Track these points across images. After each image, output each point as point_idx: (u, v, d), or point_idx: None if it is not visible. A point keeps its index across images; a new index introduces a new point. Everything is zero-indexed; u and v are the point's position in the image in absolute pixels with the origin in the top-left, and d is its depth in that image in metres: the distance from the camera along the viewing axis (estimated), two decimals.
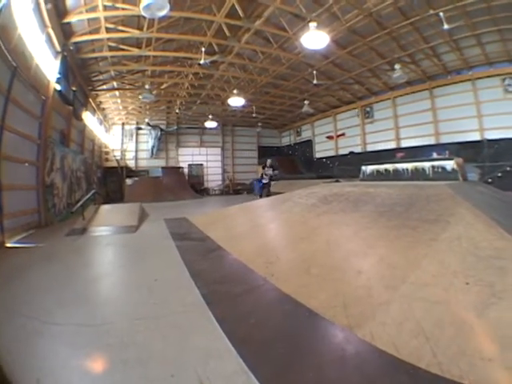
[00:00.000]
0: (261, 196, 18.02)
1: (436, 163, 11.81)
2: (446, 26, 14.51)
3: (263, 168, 18.63)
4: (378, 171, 13.02)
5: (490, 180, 16.15)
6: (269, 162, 18.74)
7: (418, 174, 11.74)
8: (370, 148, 26.79)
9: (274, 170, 18.70)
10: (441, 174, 11.22)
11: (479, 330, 2.88)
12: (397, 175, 12.14)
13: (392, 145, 24.61)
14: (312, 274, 4.81)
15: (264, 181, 18.33)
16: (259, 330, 3.60)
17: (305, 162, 34.23)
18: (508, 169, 16.14)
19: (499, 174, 16.20)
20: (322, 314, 3.73)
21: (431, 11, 14.43)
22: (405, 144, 23.74)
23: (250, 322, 3.78)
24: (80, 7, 13.33)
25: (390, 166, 12.73)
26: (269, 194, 17.45)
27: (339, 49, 18.07)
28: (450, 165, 11.41)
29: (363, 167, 13.41)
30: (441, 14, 14.26)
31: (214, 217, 11.52)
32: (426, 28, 16.36)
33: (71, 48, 15.03)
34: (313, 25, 13.77)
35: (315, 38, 14.10)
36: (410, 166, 12.21)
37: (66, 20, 13.48)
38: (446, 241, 4.48)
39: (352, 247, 5.45)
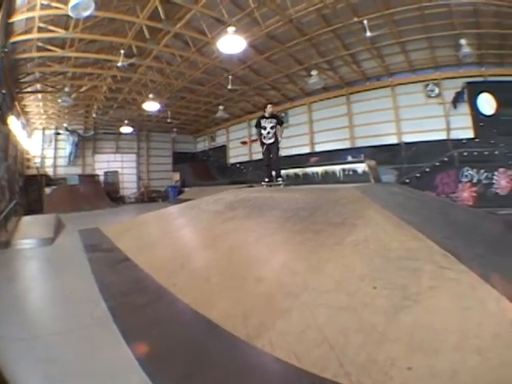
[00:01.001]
0: (268, 178, 11.26)
1: (347, 166, 12.10)
2: (368, 34, 14.85)
3: (261, 119, 11.26)
4: (287, 175, 13.10)
5: (407, 181, 16.86)
6: (269, 107, 11.19)
7: (329, 178, 11.92)
8: (284, 153, 26.25)
9: (278, 122, 11.32)
10: (352, 177, 11.49)
11: (392, 335, 2.77)
12: (307, 179, 12.27)
13: (307, 149, 25.00)
14: (213, 283, 4.72)
15: (269, 140, 11.10)
16: (161, 342, 3.54)
17: (219, 167, 33.83)
18: (427, 170, 16.86)
19: (417, 175, 16.95)
20: (222, 324, 3.63)
21: (355, 19, 14.74)
22: (320, 148, 24.18)
23: (153, 333, 3.73)
24: (24, 6, 12.84)
25: (299, 171, 12.90)
26: (278, 175, 11.25)
27: (257, 54, 18.11)
28: (361, 167, 11.70)
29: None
30: (365, 21, 14.59)
31: (124, 227, 11.13)
32: (347, 35, 16.69)
33: (6, 50, 14.16)
34: (231, 29, 13.69)
35: (232, 43, 14.09)
36: (320, 169, 12.41)
37: (11, 20, 12.95)
38: (351, 244, 4.38)
39: (254, 254, 5.31)
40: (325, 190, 8.16)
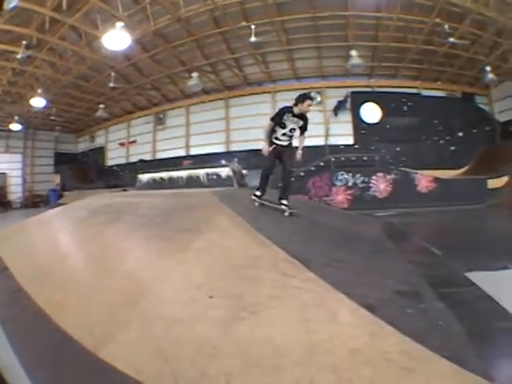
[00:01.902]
0: (261, 191, 7.47)
1: (211, 170, 11.97)
2: (253, 39, 14.87)
3: (286, 113, 7.15)
4: (154, 180, 12.84)
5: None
6: (308, 103, 7.06)
7: (193, 182, 11.72)
8: (160, 155, 26.21)
9: (303, 126, 7.41)
10: (216, 181, 11.33)
11: (226, 349, 2.54)
12: (172, 183, 12.04)
13: (182, 152, 24.57)
14: (66, 293, 4.26)
15: (282, 142, 7.32)
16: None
17: (97, 170, 31.67)
18: (301, 174, 16.85)
19: (292, 179, 16.72)
20: (73, 334, 3.24)
21: (243, 23, 14.79)
22: (196, 152, 23.76)
23: None
24: None
25: (165, 175, 12.63)
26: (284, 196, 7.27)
27: (143, 52, 17.78)
28: (225, 172, 11.65)
29: (140, 176, 13.22)
30: (252, 26, 14.62)
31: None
32: (234, 39, 16.72)
33: None
34: (119, 24, 13.20)
35: (118, 39, 13.62)
36: (185, 173, 12.23)
37: None
38: (195, 251, 4.19)
39: (104, 262, 5.00)
40: (183, 194, 8.11)
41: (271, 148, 7.30)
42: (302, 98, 7.20)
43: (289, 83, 21.07)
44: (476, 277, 5.04)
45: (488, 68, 19.23)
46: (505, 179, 16.87)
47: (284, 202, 7.08)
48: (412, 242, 8.28)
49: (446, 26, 15.75)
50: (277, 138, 7.34)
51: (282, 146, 7.32)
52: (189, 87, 19.73)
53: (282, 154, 7.37)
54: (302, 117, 7.28)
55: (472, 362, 2.46)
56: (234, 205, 6.07)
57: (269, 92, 21.36)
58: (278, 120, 7.27)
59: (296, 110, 7.17)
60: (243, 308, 2.87)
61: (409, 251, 6.88)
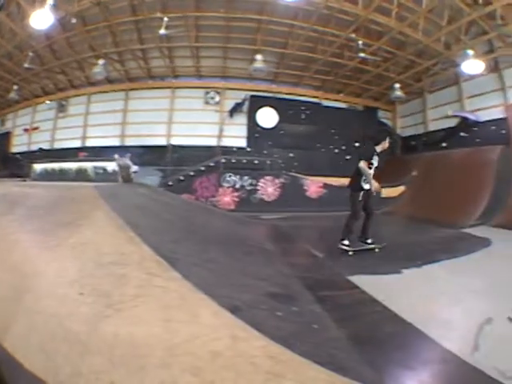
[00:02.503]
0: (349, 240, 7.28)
1: (98, 164, 11.93)
2: (162, 31, 14.66)
3: (369, 159, 7.41)
4: (46, 171, 12.66)
5: (170, 183, 16.78)
6: (387, 142, 7.93)
7: (82, 175, 11.52)
8: (59, 145, 24.22)
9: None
10: (102, 176, 11.13)
11: (94, 347, 2.48)
12: (63, 175, 11.89)
13: (79, 143, 23.05)
14: None
15: (366, 185, 7.31)
16: None
17: (3, 157, 28.29)
18: (191, 173, 17.01)
19: (181, 178, 16.95)
20: None
21: (158, 14, 14.52)
22: (93, 143, 22.36)
23: None
24: None
25: (57, 166, 12.43)
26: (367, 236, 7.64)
27: (61, 33, 16.82)
28: (111, 166, 11.68)
29: (35, 166, 12.72)
30: (165, 18, 14.39)
31: None
32: (146, 29, 16.41)
33: None
34: (50, 1, 12.56)
35: (44, 17, 13.07)
36: (75, 166, 12.10)
37: None
38: (70, 246, 4.08)
39: None
40: (68, 187, 7.81)
41: (361, 194, 7.31)
42: (384, 136, 7.78)
43: (190, 80, 21.00)
44: (362, 280, 5.31)
45: (397, 85, 20.32)
46: (400, 189, 18.02)
47: (369, 241, 7.54)
48: (295, 245, 8.62)
49: (360, 42, 16.37)
50: (364, 180, 7.24)
51: (367, 190, 7.29)
52: (93, 74, 18.99)
53: (366, 199, 7.42)
54: (379, 155, 7.54)
55: (350, 367, 2.62)
56: (113, 201, 6.02)
57: (169, 87, 21.04)
58: (369, 159, 7.34)
59: (379, 148, 7.58)
60: (109, 306, 2.83)
61: (290, 253, 7.13)
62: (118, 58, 19.47)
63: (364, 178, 7.22)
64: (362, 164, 7.17)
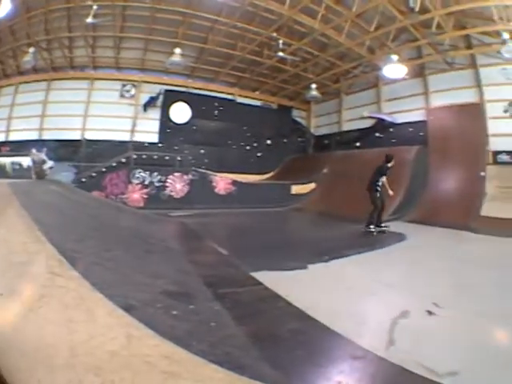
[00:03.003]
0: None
1: (16, 160, 11.48)
2: (89, 20, 14.29)
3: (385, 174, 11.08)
4: None
5: (83, 180, 15.97)
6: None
7: (1, 171, 11.20)
8: None
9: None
10: (19, 172, 10.97)
11: (16, 347, 2.08)
12: None
13: (3, 137, 21.10)
14: None
15: (379, 189, 11.06)
16: None
17: None
18: (103, 169, 16.31)
19: (94, 174, 16.20)
20: None
21: (89, 2, 14.02)
22: (16, 137, 20.66)
23: None
24: None
25: None
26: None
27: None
28: (26, 162, 11.20)
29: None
30: (94, 6, 13.98)
31: None
32: (75, 17, 15.80)
33: None
34: None
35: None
36: None
37: None
38: None
39: None
40: None
41: (378, 194, 10.78)
42: (392, 158, 11.05)
43: (109, 72, 20.37)
44: (266, 276, 5.26)
45: (314, 85, 20.79)
46: (310, 186, 18.37)
47: (382, 224, 10.91)
48: (199, 242, 8.46)
49: (281, 41, 16.54)
50: (379, 185, 10.79)
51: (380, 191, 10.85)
52: (23, 63, 18.12)
53: (382, 196, 10.87)
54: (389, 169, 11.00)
55: (247, 365, 2.59)
56: (24, 198, 5.80)
57: (88, 78, 20.29)
58: (385, 174, 10.91)
59: (390, 165, 10.96)
60: (23, 307, 2.63)
61: (194, 251, 6.99)
62: (45, 47, 18.64)
63: (378, 183, 10.75)
64: (384, 179, 10.89)
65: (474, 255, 8.21)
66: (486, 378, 2.90)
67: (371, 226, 10.58)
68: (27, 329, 2.36)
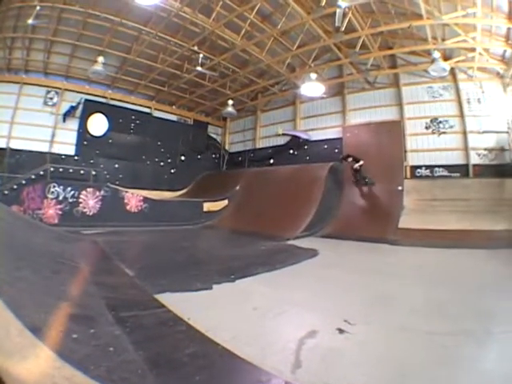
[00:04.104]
0: None
1: None
2: (31, 21, 14.14)
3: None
4: None
5: (6, 192, 15.07)
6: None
7: None
8: None
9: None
10: None
11: None
12: None
13: None
14: None
15: None
16: None
17: None
18: (23, 182, 15.49)
19: (15, 187, 15.35)
20: None
21: (36, 2, 13.77)
22: None
23: None
24: None
25: None
26: None
27: None
28: None
29: None
30: (38, 7, 13.76)
31: None
32: (23, 17, 15.05)
33: None
34: None
35: None
36: None
37: None
38: None
39: None
40: None
41: None
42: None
43: (37, 77, 19.55)
44: (169, 298, 5.15)
45: (231, 102, 21.05)
46: (223, 203, 18.49)
47: None
48: (106, 262, 8.18)
49: (201, 55, 16.72)
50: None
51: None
52: None
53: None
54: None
55: None
56: None
57: (19, 82, 19.26)
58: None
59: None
60: None
61: (100, 272, 6.76)
62: None
63: None
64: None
65: (389, 267, 8.42)
66: None
67: None
68: None
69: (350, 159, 11.97)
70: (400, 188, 15.50)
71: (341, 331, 4.20)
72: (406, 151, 16.29)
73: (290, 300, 5.58)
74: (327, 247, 11.10)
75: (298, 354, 3.57)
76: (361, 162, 11.39)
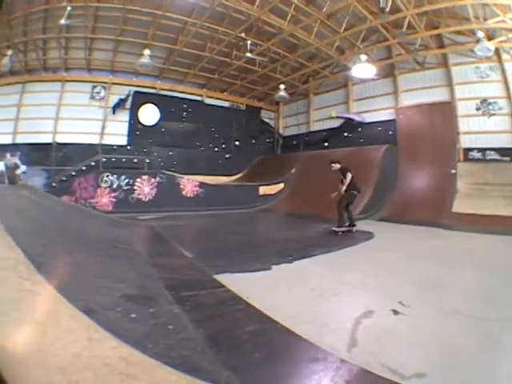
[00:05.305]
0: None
1: None
2: (63, 21, 14.20)
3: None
4: None
5: (54, 184, 15.99)
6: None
7: None
8: None
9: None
10: None
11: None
12: None
13: None
14: None
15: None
16: None
17: None
18: (73, 173, 16.30)
19: (64, 179, 16.19)
20: None
21: (64, 3, 13.88)
22: None
23: None
24: None
25: None
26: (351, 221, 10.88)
27: None
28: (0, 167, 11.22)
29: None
30: (68, 7, 13.86)
31: None
32: (51, 19, 15.54)
33: None
34: None
35: None
36: None
37: None
38: None
39: None
40: None
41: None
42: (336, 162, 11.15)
43: (80, 74, 20.11)
44: (228, 279, 5.18)
45: (282, 86, 20.87)
46: (279, 186, 18.48)
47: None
48: (164, 246, 8.22)
49: (249, 42, 16.62)
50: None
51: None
52: (1, 66, 17.32)
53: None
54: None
55: (203, 368, 2.54)
56: None
57: (60, 80, 19.92)
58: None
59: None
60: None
61: (158, 254, 6.83)
62: (22, 49, 18.28)
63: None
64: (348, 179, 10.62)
65: (442, 252, 8.19)
66: (456, 379, 2.83)
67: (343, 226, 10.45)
68: (3, 330, 2.37)
69: (338, 166, 10.33)
70: (453, 171, 15.04)
71: (395, 312, 4.17)
72: (458, 133, 15.75)
73: (346, 281, 5.57)
74: (382, 230, 10.94)
75: (353, 334, 3.57)
76: (349, 176, 9.97)
